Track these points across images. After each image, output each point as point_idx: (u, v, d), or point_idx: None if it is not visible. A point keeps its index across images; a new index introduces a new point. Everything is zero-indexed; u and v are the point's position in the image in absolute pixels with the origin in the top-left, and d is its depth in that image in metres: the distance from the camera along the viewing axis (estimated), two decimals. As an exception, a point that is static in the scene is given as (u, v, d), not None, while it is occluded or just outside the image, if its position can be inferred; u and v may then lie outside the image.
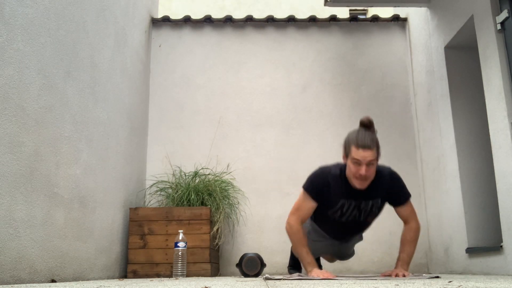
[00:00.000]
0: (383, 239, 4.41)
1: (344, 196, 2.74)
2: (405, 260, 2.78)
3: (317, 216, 2.89)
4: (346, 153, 2.67)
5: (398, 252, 2.87)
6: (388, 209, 3.53)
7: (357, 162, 2.60)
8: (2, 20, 2.30)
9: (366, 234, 3.34)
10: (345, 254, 3.25)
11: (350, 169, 2.65)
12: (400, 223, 4.65)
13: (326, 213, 2.81)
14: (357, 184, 2.66)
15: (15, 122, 2.37)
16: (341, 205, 2.76)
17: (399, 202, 2.83)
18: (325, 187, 2.74)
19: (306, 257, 2.74)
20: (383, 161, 4.48)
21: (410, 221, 2.84)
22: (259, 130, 4.78)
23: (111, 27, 3.73)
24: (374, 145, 2.63)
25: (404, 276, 2.66)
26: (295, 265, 3.38)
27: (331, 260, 3.37)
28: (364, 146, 2.59)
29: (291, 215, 2.82)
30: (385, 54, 4.93)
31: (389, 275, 2.74)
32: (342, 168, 2.75)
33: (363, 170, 2.60)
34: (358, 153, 2.59)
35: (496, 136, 3.16)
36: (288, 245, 4.58)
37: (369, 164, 2.60)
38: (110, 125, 3.66)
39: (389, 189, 2.79)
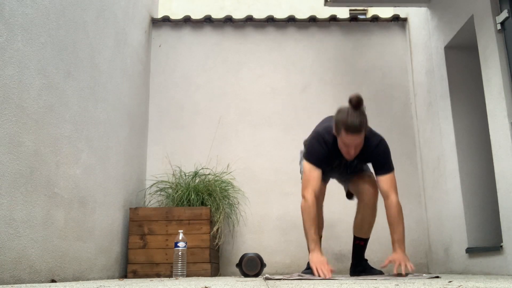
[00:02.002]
0: (383, 239, 4.40)
1: (336, 157, 3.02)
2: (400, 240, 2.89)
3: None
4: (337, 132, 2.86)
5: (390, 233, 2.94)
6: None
7: (346, 145, 2.83)
8: (2, 20, 2.30)
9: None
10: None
11: (340, 147, 2.90)
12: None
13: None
14: (346, 157, 2.92)
15: (15, 122, 2.37)
16: (333, 163, 3.08)
17: (381, 171, 2.96)
18: (322, 154, 2.97)
19: (312, 235, 2.85)
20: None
21: (389, 194, 2.91)
22: (259, 130, 4.77)
23: (111, 27, 3.73)
24: (362, 129, 2.79)
25: (406, 270, 2.74)
26: None
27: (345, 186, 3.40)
28: (354, 132, 2.76)
29: (304, 190, 2.95)
30: (385, 54, 4.93)
31: (392, 264, 2.84)
32: (332, 132, 2.94)
33: (352, 151, 2.86)
34: (347, 138, 2.79)
35: (496, 136, 3.16)
36: (288, 245, 4.61)
37: (357, 145, 2.84)
38: (110, 125, 3.66)
39: (375, 156, 2.97)
